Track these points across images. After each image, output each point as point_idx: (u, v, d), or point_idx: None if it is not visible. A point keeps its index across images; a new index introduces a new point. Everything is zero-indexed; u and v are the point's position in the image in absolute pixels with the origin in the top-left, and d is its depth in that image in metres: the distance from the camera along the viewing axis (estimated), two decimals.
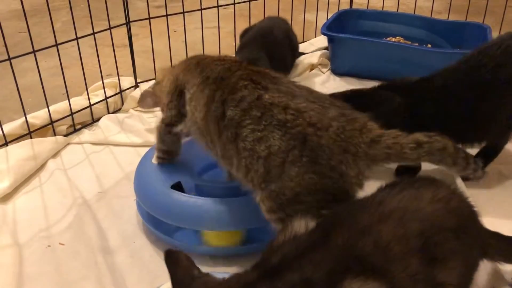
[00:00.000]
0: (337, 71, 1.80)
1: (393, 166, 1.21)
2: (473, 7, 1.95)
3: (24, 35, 1.28)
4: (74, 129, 1.44)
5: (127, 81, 1.63)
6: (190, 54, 1.72)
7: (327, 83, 1.74)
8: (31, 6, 2.36)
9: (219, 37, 1.74)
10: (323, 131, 0.77)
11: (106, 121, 1.47)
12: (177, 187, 0.97)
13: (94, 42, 1.44)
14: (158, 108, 1.54)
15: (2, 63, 1.25)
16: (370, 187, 0.77)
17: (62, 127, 1.42)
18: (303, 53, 1.89)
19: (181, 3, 1.64)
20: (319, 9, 2.09)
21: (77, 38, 1.39)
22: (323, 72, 1.81)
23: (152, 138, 1.36)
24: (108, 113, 1.53)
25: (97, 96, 1.53)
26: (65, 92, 1.41)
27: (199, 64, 0.96)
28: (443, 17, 2.08)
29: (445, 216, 0.69)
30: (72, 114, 1.42)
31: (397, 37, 1.92)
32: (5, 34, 1.21)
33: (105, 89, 1.53)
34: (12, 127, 1.33)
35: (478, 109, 1.10)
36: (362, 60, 1.74)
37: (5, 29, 1.23)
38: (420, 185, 0.72)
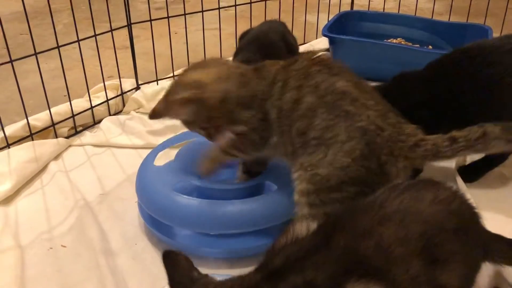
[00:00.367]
0: None
1: None
2: (474, 9, 1.95)
3: (25, 37, 1.29)
4: (76, 131, 1.44)
5: (128, 83, 1.63)
6: (191, 55, 1.72)
7: None
8: (32, 8, 2.36)
9: (220, 39, 1.75)
10: (381, 131, 0.83)
11: (108, 123, 1.47)
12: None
13: (95, 44, 1.45)
14: None
15: (3, 65, 1.25)
16: None
17: (64, 129, 1.42)
18: None
19: (182, 5, 1.64)
20: (320, 11, 2.09)
21: (78, 40, 1.39)
22: None
23: (154, 140, 1.37)
24: (110, 115, 1.53)
25: (98, 98, 1.53)
26: (66, 94, 1.41)
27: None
28: (444, 18, 2.09)
29: (446, 217, 0.69)
30: (73, 116, 1.42)
31: (398, 39, 1.92)
32: (6, 36, 1.22)
33: (107, 91, 1.53)
34: (13, 129, 1.33)
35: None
36: (363, 61, 1.73)
37: (7, 31, 1.23)
38: (421, 187, 0.72)
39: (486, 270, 0.85)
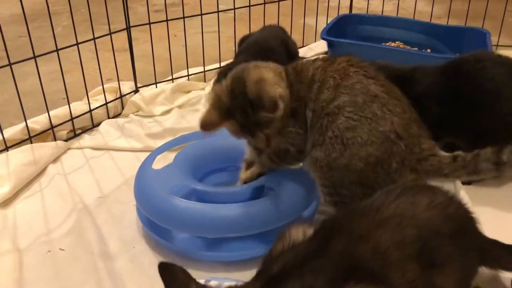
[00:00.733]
0: None
1: None
2: (472, 12, 1.96)
3: (25, 39, 1.29)
4: (74, 134, 1.45)
5: (127, 86, 1.63)
6: (190, 58, 1.73)
7: None
8: (32, 11, 2.36)
9: (219, 42, 1.75)
10: (400, 140, 0.86)
11: (106, 126, 1.47)
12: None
13: (94, 47, 1.45)
14: (159, 113, 1.56)
15: (2, 68, 1.25)
16: None
17: (63, 132, 1.42)
18: (303, 58, 1.89)
19: (181, 7, 1.64)
20: (319, 14, 2.10)
21: (77, 44, 1.39)
22: None
23: (152, 143, 1.37)
24: (108, 118, 1.53)
25: (97, 101, 1.54)
26: (65, 96, 1.41)
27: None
28: (442, 21, 2.09)
29: (441, 222, 0.69)
30: (72, 119, 1.43)
31: (397, 42, 1.93)
32: (6, 38, 1.22)
33: (105, 94, 1.53)
34: (12, 132, 1.33)
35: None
36: None
37: (6, 33, 1.23)
38: (417, 192, 0.73)
39: (483, 274, 0.86)
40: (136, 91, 1.64)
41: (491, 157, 0.83)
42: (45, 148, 1.32)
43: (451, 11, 2.02)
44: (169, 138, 1.33)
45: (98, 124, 1.49)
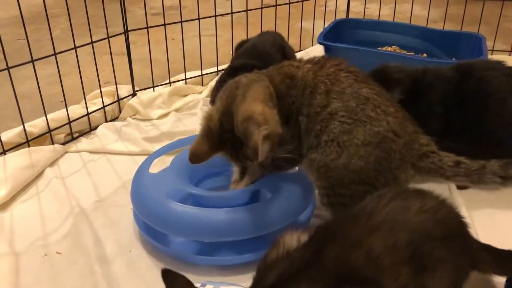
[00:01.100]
0: None
1: None
2: (468, 16, 1.97)
3: (23, 42, 1.29)
4: (72, 138, 1.45)
5: (124, 89, 1.64)
6: (188, 62, 1.74)
7: None
8: (30, 13, 2.37)
9: (217, 45, 1.76)
10: (398, 138, 0.88)
11: (104, 130, 1.47)
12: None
13: (92, 50, 1.45)
14: (156, 116, 1.57)
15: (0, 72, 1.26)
16: None
17: (60, 136, 1.43)
18: None
19: (179, 11, 1.65)
20: (316, 18, 2.11)
21: (75, 48, 1.40)
22: None
23: (150, 147, 1.37)
24: (106, 121, 1.54)
25: (95, 104, 1.54)
26: (63, 100, 1.42)
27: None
28: (439, 26, 2.10)
29: (432, 226, 0.70)
30: (69, 122, 1.43)
31: (393, 46, 1.94)
32: (4, 41, 1.22)
33: (103, 97, 1.53)
34: (10, 135, 1.34)
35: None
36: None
37: (4, 36, 1.23)
38: (408, 196, 0.74)
39: (475, 278, 0.87)
40: (133, 94, 1.65)
41: (498, 170, 0.84)
42: (43, 152, 1.32)
43: (447, 15, 2.03)
44: (166, 142, 1.34)
45: (96, 128, 1.50)
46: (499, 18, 1.91)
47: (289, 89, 0.92)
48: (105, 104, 1.53)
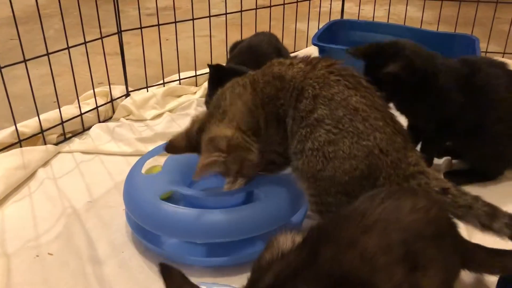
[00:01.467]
0: None
1: None
2: (462, 18, 1.98)
3: (16, 42, 1.28)
4: (65, 138, 1.44)
5: (118, 90, 1.63)
6: (182, 62, 1.73)
7: None
8: (24, 13, 2.36)
9: (211, 46, 1.76)
10: (384, 156, 0.84)
11: (97, 130, 1.47)
12: None
13: (85, 50, 1.45)
14: (149, 117, 1.56)
15: None
16: None
17: (53, 136, 1.42)
18: None
19: (174, 11, 1.65)
20: (310, 19, 2.11)
21: (68, 48, 1.39)
22: None
23: (143, 147, 1.37)
24: (99, 122, 1.53)
25: (88, 104, 1.53)
26: (56, 100, 1.41)
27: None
28: (433, 27, 2.11)
29: (424, 225, 0.70)
30: (62, 122, 1.42)
31: None
32: None
33: (96, 97, 1.53)
34: (2, 135, 1.33)
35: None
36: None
37: None
38: (401, 196, 0.74)
39: (468, 279, 0.87)
40: (127, 95, 1.64)
41: (482, 216, 0.79)
42: (35, 152, 1.31)
43: (442, 17, 2.04)
44: (159, 143, 1.33)
45: (89, 128, 1.49)
46: (493, 20, 1.92)
47: (278, 91, 0.91)
48: (98, 105, 1.53)
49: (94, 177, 1.27)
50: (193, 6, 1.64)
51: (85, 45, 1.44)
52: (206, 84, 1.75)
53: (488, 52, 1.97)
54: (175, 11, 1.64)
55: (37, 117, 1.37)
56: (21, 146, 1.33)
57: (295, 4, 2.03)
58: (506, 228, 0.77)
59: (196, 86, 1.78)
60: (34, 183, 1.25)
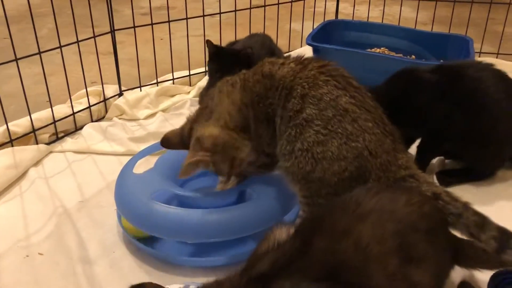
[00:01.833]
0: None
1: None
2: (457, 18, 1.98)
3: (8, 41, 1.27)
4: (57, 137, 1.44)
5: (111, 89, 1.62)
6: (176, 62, 1.73)
7: None
8: (18, 12, 2.34)
9: (205, 45, 1.75)
10: (374, 158, 0.83)
11: (89, 130, 1.46)
12: None
13: (78, 50, 1.44)
14: (142, 116, 1.56)
15: None
16: None
17: (45, 135, 1.41)
18: None
19: (170, 10, 1.64)
20: (305, 19, 2.11)
21: (60, 47, 1.38)
22: None
23: (135, 147, 1.36)
24: (92, 121, 1.53)
25: (80, 104, 1.53)
26: (48, 99, 1.40)
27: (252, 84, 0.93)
28: (427, 28, 2.11)
29: (418, 218, 0.71)
30: (54, 122, 1.42)
31: (382, 48, 1.94)
32: None
33: (89, 97, 1.52)
34: None
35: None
36: (347, 70, 1.75)
37: None
38: (395, 190, 0.75)
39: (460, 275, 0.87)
40: (120, 94, 1.64)
41: (471, 226, 0.78)
42: (27, 152, 1.30)
43: (436, 17, 2.04)
44: (152, 142, 1.32)
45: (81, 127, 1.48)
46: (487, 20, 1.92)
47: (267, 90, 0.90)
48: (91, 104, 1.52)
49: (86, 176, 1.27)
50: (187, 5, 1.64)
51: (78, 44, 1.44)
52: (200, 84, 1.75)
53: (482, 52, 1.98)
54: (171, 10, 1.63)
55: (29, 117, 1.36)
56: (12, 146, 1.32)
57: (290, 4, 2.03)
58: (493, 240, 0.75)
59: (190, 85, 1.77)
60: (25, 182, 1.24)
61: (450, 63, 1.22)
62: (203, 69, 1.80)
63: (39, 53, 1.34)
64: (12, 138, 1.33)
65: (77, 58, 1.46)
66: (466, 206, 0.79)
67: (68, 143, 1.41)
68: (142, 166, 1.09)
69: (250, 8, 1.85)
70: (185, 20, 1.67)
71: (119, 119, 1.55)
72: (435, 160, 1.29)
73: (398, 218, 0.68)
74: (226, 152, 0.91)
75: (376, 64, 1.69)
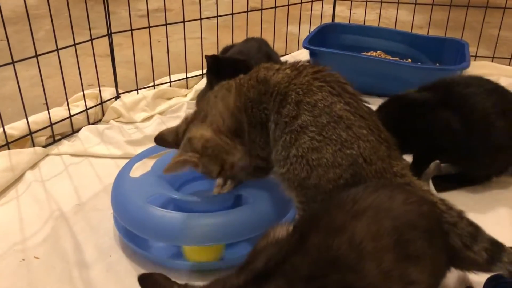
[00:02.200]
0: None
1: None
2: (453, 22, 1.99)
3: (5, 43, 1.27)
4: (54, 140, 1.43)
5: (108, 92, 1.63)
6: (173, 64, 1.73)
7: None
8: (15, 13, 2.34)
9: (202, 48, 1.75)
10: (368, 165, 0.83)
11: (86, 132, 1.46)
12: None
13: (75, 52, 1.44)
14: (139, 119, 1.56)
15: None
16: None
17: (41, 138, 1.41)
18: None
19: (167, 12, 1.64)
20: (302, 22, 2.11)
21: (57, 49, 1.38)
22: None
23: (132, 150, 1.36)
24: (88, 124, 1.52)
25: (77, 106, 1.53)
26: (45, 102, 1.40)
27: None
28: (423, 31, 2.12)
29: (416, 217, 0.71)
30: (51, 124, 1.41)
31: (378, 51, 1.95)
32: None
33: (86, 100, 1.52)
34: None
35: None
36: (343, 74, 1.75)
37: None
38: (394, 189, 0.75)
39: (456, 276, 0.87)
40: (117, 97, 1.64)
41: (464, 235, 0.78)
42: (23, 154, 1.30)
43: (432, 21, 2.05)
44: (149, 145, 1.33)
45: (78, 130, 1.48)
46: (482, 24, 1.93)
47: (261, 96, 0.90)
48: (88, 107, 1.52)
49: (82, 179, 1.27)
50: (184, 8, 1.64)
51: (75, 47, 1.44)
52: (197, 87, 1.75)
53: (478, 56, 1.99)
54: (168, 12, 1.63)
55: (25, 119, 1.36)
56: (9, 148, 1.32)
57: (287, 7, 2.03)
58: (484, 252, 0.76)
59: (187, 88, 1.77)
60: (21, 185, 1.24)
61: (438, 82, 1.22)
62: (200, 72, 1.80)
63: (36, 55, 1.34)
64: (9, 140, 1.33)
65: (74, 61, 1.46)
66: (460, 215, 0.79)
67: (65, 146, 1.41)
68: (139, 169, 1.09)
69: (247, 11, 1.85)
70: (182, 23, 1.68)
71: (116, 122, 1.55)
72: (430, 165, 1.30)
73: (396, 216, 0.68)
74: (215, 156, 0.90)
75: (371, 67, 1.70)
